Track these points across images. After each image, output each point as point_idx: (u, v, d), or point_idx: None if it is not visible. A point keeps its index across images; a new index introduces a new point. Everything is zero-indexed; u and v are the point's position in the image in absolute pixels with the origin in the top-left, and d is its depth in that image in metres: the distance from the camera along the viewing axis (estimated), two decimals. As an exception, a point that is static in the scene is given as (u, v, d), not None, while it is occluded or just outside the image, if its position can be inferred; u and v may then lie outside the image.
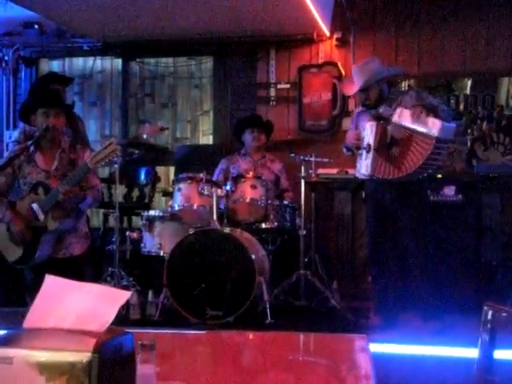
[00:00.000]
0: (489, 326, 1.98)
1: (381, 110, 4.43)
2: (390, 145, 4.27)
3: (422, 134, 4.10)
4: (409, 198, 4.37)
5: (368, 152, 4.30)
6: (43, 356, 1.14)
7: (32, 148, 3.84)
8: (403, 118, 4.18)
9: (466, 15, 6.22)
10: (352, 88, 4.53)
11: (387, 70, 4.71)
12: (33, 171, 3.85)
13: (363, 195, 4.60)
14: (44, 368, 1.14)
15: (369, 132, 4.32)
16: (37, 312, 1.28)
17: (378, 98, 4.46)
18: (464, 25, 6.22)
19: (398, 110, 4.21)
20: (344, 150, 4.78)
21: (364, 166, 4.33)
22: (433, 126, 4.04)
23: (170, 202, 5.02)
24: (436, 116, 4.12)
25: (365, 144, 4.32)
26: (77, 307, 1.27)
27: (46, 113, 3.80)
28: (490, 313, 2.07)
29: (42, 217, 3.70)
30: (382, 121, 4.31)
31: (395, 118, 4.21)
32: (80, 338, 1.20)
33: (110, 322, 1.25)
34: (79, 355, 1.13)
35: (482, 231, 5.19)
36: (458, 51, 6.22)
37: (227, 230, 4.66)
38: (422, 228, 4.40)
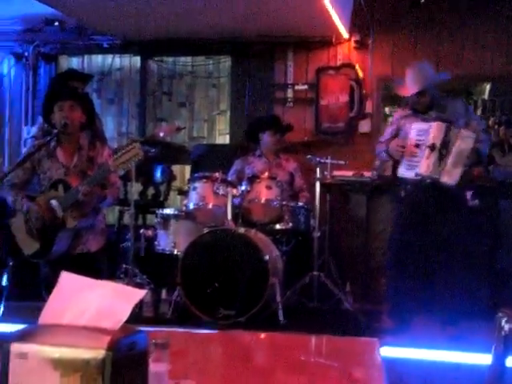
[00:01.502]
0: (502, 332, 1.97)
1: (434, 115, 4.41)
2: (442, 147, 4.28)
3: (449, 162, 4.24)
4: (449, 204, 4.34)
5: (432, 151, 4.27)
6: (58, 352, 1.15)
7: (53, 143, 3.86)
8: (464, 141, 4.23)
9: (486, 19, 6.18)
10: (408, 89, 4.49)
11: (439, 75, 4.71)
12: (53, 166, 3.87)
13: (401, 194, 4.54)
14: (58, 364, 1.15)
15: (436, 132, 4.27)
16: (52, 308, 1.29)
17: (430, 102, 4.45)
18: (483, 29, 6.18)
19: (470, 133, 4.25)
20: (383, 154, 4.62)
21: (425, 165, 4.28)
22: (451, 178, 4.23)
23: (185, 201, 5.03)
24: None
25: (429, 143, 4.27)
26: (92, 304, 1.28)
27: (61, 106, 3.80)
28: (504, 320, 2.06)
29: (60, 214, 3.72)
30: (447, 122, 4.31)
31: (463, 133, 4.24)
32: (94, 336, 1.21)
33: (125, 319, 1.26)
34: (93, 352, 1.14)
35: (498, 237, 5.16)
36: (476, 55, 6.19)
37: (241, 230, 4.67)
38: (454, 234, 4.36)
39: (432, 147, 4.25)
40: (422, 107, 4.47)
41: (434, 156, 4.25)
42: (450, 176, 4.23)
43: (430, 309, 4.41)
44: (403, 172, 4.41)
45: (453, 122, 4.32)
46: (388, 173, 5.55)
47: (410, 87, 4.44)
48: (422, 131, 4.33)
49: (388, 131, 4.69)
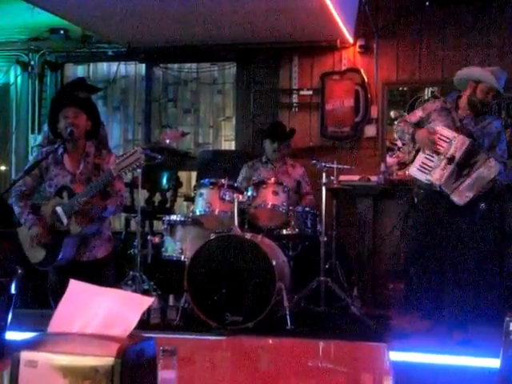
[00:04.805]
0: (511, 337, 1.97)
1: (465, 120, 4.36)
2: (464, 165, 4.25)
3: (466, 183, 4.20)
4: (460, 209, 4.32)
5: (449, 164, 4.24)
6: (67, 360, 1.16)
7: (60, 150, 3.88)
8: (487, 169, 4.18)
9: (491, 23, 6.18)
10: (492, 81, 4.30)
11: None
12: (60, 173, 3.88)
13: (415, 200, 4.52)
14: (67, 372, 1.15)
15: (458, 145, 4.22)
16: (61, 317, 1.29)
17: (486, 109, 4.39)
18: (488, 32, 6.18)
19: (497, 164, 4.19)
20: (406, 136, 4.43)
21: (438, 175, 4.25)
22: (461, 198, 4.19)
23: (192, 207, 5.03)
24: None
25: (449, 154, 4.23)
26: (100, 312, 1.28)
27: (66, 113, 3.81)
28: (512, 324, 2.05)
29: (65, 221, 3.73)
30: (471, 139, 4.24)
31: (491, 162, 4.18)
32: (103, 343, 1.21)
33: (133, 327, 1.27)
34: (102, 360, 1.15)
35: (506, 240, 5.14)
36: (481, 58, 6.18)
37: (248, 235, 4.67)
38: (464, 239, 4.34)
39: (451, 159, 4.22)
40: (486, 108, 4.39)
41: (449, 168, 4.22)
42: (461, 197, 4.18)
43: (441, 312, 4.39)
44: (415, 172, 4.35)
45: (476, 139, 4.26)
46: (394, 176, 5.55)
47: (497, 82, 4.27)
48: (447, 138, 4.28)
49: (417, 114, 4.53)
